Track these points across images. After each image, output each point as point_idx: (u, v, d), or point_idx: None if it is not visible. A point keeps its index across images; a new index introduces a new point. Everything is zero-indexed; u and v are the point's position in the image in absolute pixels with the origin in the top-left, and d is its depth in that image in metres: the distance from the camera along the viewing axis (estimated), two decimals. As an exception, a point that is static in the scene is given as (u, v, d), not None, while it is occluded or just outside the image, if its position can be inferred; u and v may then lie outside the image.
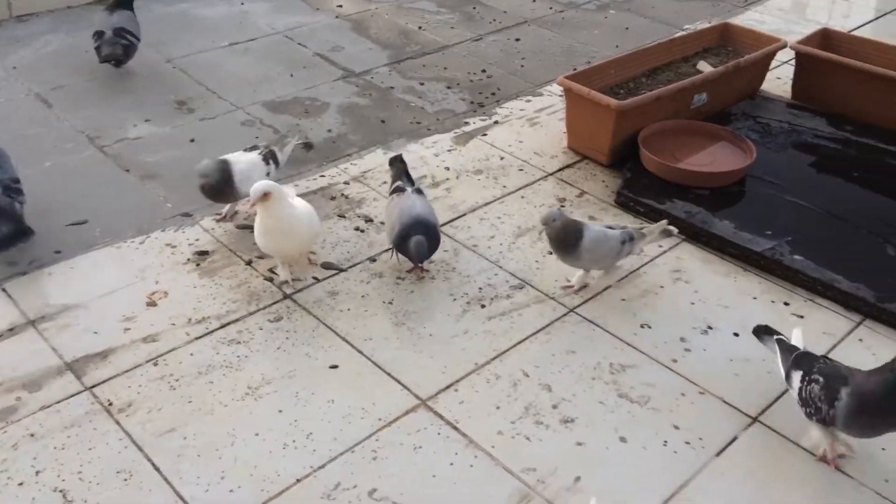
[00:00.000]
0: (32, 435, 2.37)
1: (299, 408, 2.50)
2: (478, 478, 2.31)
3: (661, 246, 3.27)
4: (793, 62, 4.37)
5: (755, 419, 2.52)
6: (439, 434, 2.44)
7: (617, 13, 5.58)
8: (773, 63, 4.44)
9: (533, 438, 2.44)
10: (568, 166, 3.80)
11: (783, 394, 2.59)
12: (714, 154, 3.71)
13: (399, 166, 3.20)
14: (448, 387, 2.61)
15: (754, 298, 3.00)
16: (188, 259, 3.11)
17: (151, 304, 2.88)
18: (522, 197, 3.58)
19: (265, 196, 2.76)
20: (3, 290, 2.91)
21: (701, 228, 3.26)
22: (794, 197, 3.46)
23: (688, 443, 2.43)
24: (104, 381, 2.56)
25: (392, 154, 3.12)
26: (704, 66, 4.21)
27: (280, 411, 2.49)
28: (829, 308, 2.96)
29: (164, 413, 2.46)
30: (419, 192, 3.09)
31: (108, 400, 2.49)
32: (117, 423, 2.42)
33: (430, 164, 3.78)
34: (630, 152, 3.69)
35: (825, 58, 4.10)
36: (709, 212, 3.34)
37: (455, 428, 2.46)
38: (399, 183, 3.11)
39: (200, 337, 2.75)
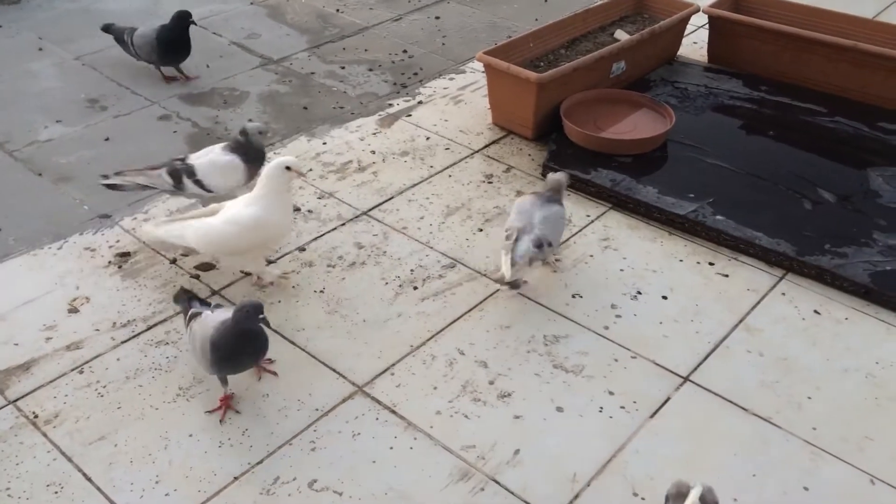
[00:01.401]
0: None
1: (233, 405, 2.46)
2: (418, 459, 2.31)
3: (588, 216, 3.31)
4: (707, 27, 4.45)
5: (686, 378, 2.58)
6: (377, 419, 2.43)
7: (535, -14, 5.58)
8: (689, 28, 4.51)
9: (471, 416, 2.45)
10: (494, 142, 3.81)
11: (712, 351, 2.66)
12: (635, 121, 3.76)
13: (185, 295, 2.58)
14: (384, 371, 2.60)
15: (680, 261, 3.07)
16: (109, 262, 3.02)
17: (73, 310, 2.79)
18: (450, 176, 3.57)
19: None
20: (-88, 307, 2.78)
21: (626, 195, 3.31)
22: (715, 159, 3.54)
23: (622, 407, 2.47)
24: (28, 394, 2.47)
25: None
26: (621, 35, 4.26)
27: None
28: (752, 265, 3.05)
29: (93, 421, 2.39)
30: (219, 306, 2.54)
31: (34, 412, 2.41)
32: (44, 435, 2.34)
33: (356, 149, 3.74)
34: (554, 125, 3.71)
35: (737, 20, 4.18)
36: (633, 179, 3.39)
37: (393, 412, 2.46)
38: (193, 309, 2.50)
39: (127, 340, 2.68)
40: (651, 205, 3.25)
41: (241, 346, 2.32)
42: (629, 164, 3.49)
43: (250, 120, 3.78)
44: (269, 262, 3.03)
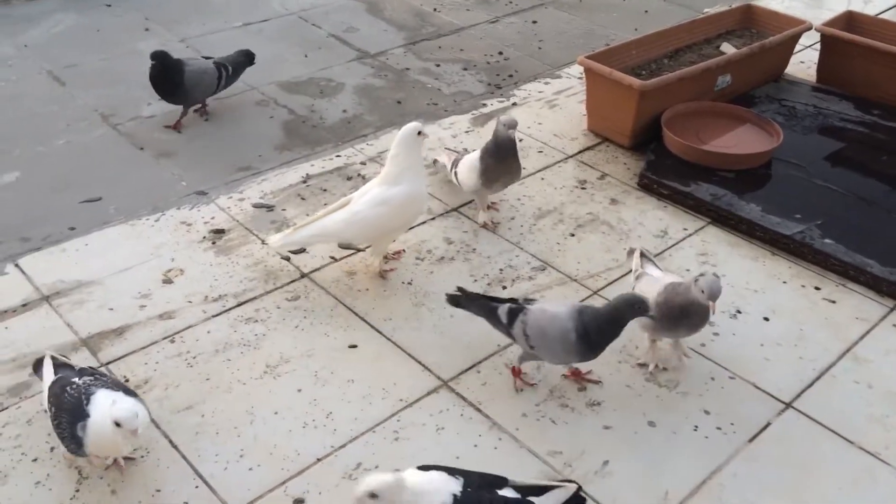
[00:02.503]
0: (47, 411, 2.30)
1: (319, 387, 2.44)
2: (503, 460, 2.24)
3: (685, 229, 3.20)
4: (817, 46, 4.28)
5: (788, 405, 2.45)
6: (462, 415, 2.38)
7: (636, -4, 5.49)
8: (797, 47, 4.35)
9: (558, 421, 2.37)
10: (588, 148, 3.73)
11: (817, 379, 2.52)
12: (739, 136, 3.63)
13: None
14: (470, 368, 2.54)
15: (784, 283, 2.93)
16: (204, 237, 3.05)
17: (167, 281, 2.82)
18: (542, 178, 3.51)
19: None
20: (17, 265, 2.86)
21: (727, 211, 3.19)
22: (824, 181, 3.38)
23: (719, 428, 2.36)
24: (120, 358, 2.51)
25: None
26: (728, 48, 4.12)
27: (299, 390, 2.43)
28: (861, 293, 2.88)
29: (182, 390, 2.40)
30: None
31: (125, 377, 2.44)
32: (134, 400, 2.36)
33: (448, 145, 3.71)
34: (652, 134, 3.61)
35: (851, 40, 4.01)
36: (735, 194, 3.27)
37: (478, 409, 2.40)
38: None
39: (217, 315, 2.69)
40: (754, 222, 3.12)
41: (611, 332, 2.29)
42: (731, 179, 3.37)
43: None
44: (359, 250, 3.01)
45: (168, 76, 3.59)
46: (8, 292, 2.73)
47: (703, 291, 2.28)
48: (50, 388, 2.09)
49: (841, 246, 2.98)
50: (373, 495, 1.73)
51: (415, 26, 4.92)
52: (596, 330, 2.25)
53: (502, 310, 2.38)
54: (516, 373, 2.47)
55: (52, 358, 2.21)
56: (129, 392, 2.08)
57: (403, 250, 2.99)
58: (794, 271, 2.98)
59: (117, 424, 1.93)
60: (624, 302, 2.27)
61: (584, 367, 2.49)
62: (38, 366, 2.24)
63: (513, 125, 2.92)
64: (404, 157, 2.71)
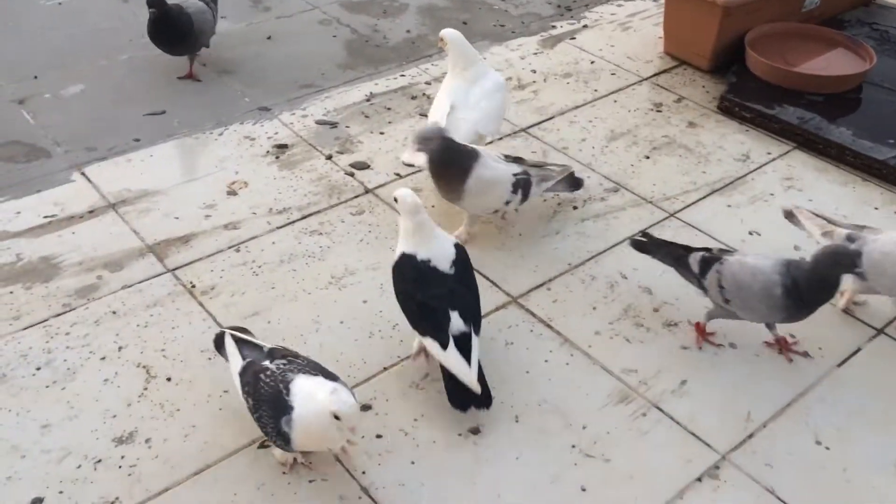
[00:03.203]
0: (114, 312, 2.31)
1: (384, 299, 2.38)
2: (574, 376, 2.16)
3: (769, 153, 3.02)
4: (913, -31, 3.98)
5: (880, 331, 2.30)
6: (532, 331, 2.30)
7: (714, -80, 5.17)
8: (892, -30, 4.05)
9: (633, 340, 2.28)
10: (664, 71, 3.54)
11: (912, 305, 2.37)
12: (828, 59, 3.40)
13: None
14: (540, 286, 2.46)
15: (876, 209, 2.75)
16: (267, 151, 3.00)
17: (232, 192, 2.78)
18: (615, 101, 3.35)
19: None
20: (83, 174, 2.85)
21: (815, 135, 3.00)
22: (919, 105, 3.16)
23: (806, 352, 2.23)
24: (186, 265, 2.48)
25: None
26: (818, -32, 3.85)
27: (365, 301, 2.38)
28: (960, 221, 2.69)
29: (248, 297, 2.37)
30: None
31: (191, 282, 2.42)
32: (200, 304, 2.34)
33: (516, 67, 3.57)
34: (734, 57, 3.41)
35: (957, -41, 3.70)
36: (824, 118, 3.07)
37: (549, 326, 2.31)
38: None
39: (282, 227, 2.65)
40: (845, 146, 2.93)
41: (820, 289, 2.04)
42: (820, 102, 3.16)
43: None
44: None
45: (173, 24, 3.18)
46: (75, 199, 2.72)
47: None
48: (241, 377, 1.84)
49: (939, 172, 2.78)
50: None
51: (481, -52, 4.72)
52: (807, 286, 1.99)
53: (694, 258, 2.16)
54: (700, 330, 2.24)
55: (233, 336, 1.95)
56: (329, 375, 1.79)
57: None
58: (886, 197, 2.80)
59: (336, 417, 1.66)
60: (829, 256, 2.00)
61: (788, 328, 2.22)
62: (219, 344, 1.99)
63: (425, 139, 2.38)
64: (466, 51, 2.76)
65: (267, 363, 1.82)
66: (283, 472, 1.88)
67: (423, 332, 2.02)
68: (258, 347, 1.91)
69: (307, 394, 1.71)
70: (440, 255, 2.07)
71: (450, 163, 2.40)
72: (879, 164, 2.85)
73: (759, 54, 3.29)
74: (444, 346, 1.96)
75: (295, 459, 1.89)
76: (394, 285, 2.09)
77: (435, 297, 2.00)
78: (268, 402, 1.75)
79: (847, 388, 2.14)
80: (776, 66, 3.24)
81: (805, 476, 1.91)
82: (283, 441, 1.74)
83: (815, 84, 3.21)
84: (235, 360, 1.89)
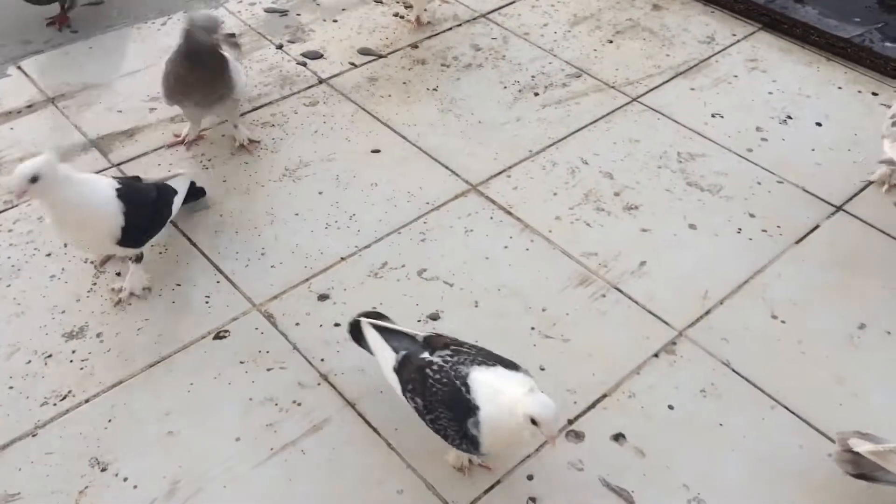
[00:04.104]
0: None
1: (340, 190, 2.32)
2: (534, 260, 2.15)
3: (734, 34, 2.94)
4: None
5: (839, 208, 2.30)
6: (492, 218, 2.26)
7: None
8: None
9: (594, 224, 2.25)
10: (629, -47, 3.39)
11: (871, 182, 2.36)
12: (797, -63, 3.27)
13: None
14: (500, 173, 2.40)
15: (839, 88, 2.71)
16: (214, 42, 2.84)
17: (177, 84, 2.65)
18: (579, -16, 3.22)
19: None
20: (19, 67, 2.69)
21: (781, 15, 2.92)
22: (887, -17, 3.07)
23: (764, 230, 2.23)
24: (132, 159, 2.38)
25: None
26: None
27: (320, 193, 2.31)
28: (922, 99, 2.67)
29: (198, 191, 2.29)
30: None
31: (138, 177, 2.32)
32: (148, 199, 2.26)
33: (476, -49, 3.40)
34: (701, -65, 3.26)
35: None
36: (790, -3, 2.98)
37: (509, 213, 2.28)
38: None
39: (232, 118, 2.54)
40: (810, 26, 2.86)
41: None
42: (787, -19, 3.07)
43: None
44: (380, 57, 2.80)
45: None
46: (12, 94, 2.58)
47: None
48: (400, 374, 1.60)
49: (905, 49, 2.74)
50: (34, 178, 1.68)
51: None
52: None
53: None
54: None
55: (373, 325, 1.69)
56: (508, 363, 1.55)
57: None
58: (850, 76, 2.76)
59: (533, 422, 1.44)
60: None
61: None
62: (356, 335, 1.73)
63: (212, 26, 2.14)
64: None
65: (427, 355, 1.57)
66: (462, 476, 1.68)
67: None
68: (408, 336, 1.66)
69: (493, 390, 1.48)
70: None
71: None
72: (844, 43, 2.80)
73: (726, -69, 3.16)
74: None
75: (470, 461, 1.69)
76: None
77: None
78: (444, 403, 1.52)
79: (804, 265, 2.15)
80: (743, -57, 3.12)
81: (760, 349, 1.94)
82: (471, 445, 1.52)
83: (782, -38, 3.10)
84: (385, 354, 1.64)
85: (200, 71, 2.18)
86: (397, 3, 3.08)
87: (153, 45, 2.82)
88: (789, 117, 2.59)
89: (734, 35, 2.94)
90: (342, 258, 2.13)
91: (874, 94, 2.69)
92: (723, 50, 2.87)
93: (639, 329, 1.98)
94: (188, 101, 2.26)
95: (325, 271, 2.10)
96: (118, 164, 2.36)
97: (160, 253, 2.10)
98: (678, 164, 2.44)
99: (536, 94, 2.69)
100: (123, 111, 2.54)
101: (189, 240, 2.15)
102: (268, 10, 3.02)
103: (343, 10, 3.05)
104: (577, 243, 2.19)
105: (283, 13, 3.01)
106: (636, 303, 2.04)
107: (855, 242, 2.21)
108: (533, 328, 1.97)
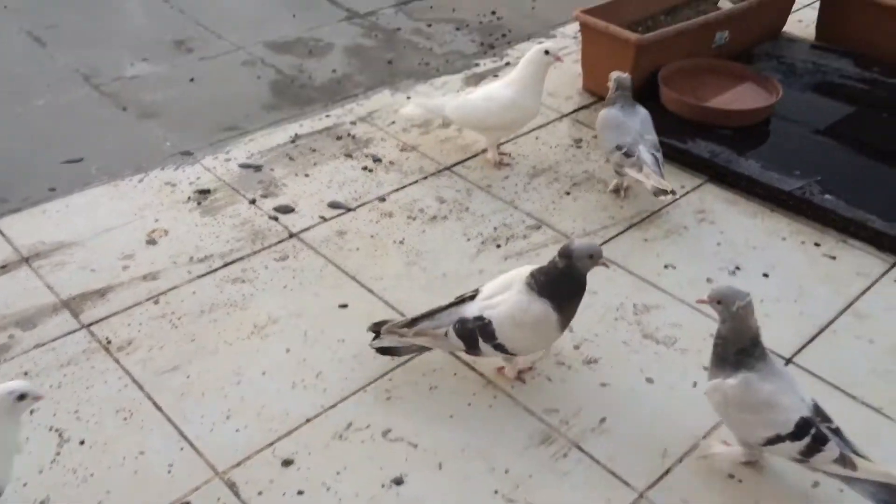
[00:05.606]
0: (26, 373, 2.24)
1: (308, 347, 2.38)
2: (498, 418, 2.19)
3: (683, 186, 3.12)
4: (815, 5, 4.18)
5: (789, 360, 2.39)
6: (456, 374, 2.32)
7: (631, -44, 5.35)
8: (795, 6, 4.24)
9: (555, 379, 2.32)
10: (584, 107, 3.64)
11: (818, 334, 2.47)
12: (737, 94, 3.54)
13: None
14: (464, 327, 2.47)
15: (783, 239, 2.87)
16: (189, 197, 2.97)
17: (151, 242, 2.74)
18: (537, 138, 3.42)
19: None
20: (-5, 227, 2.77)
21: (726, 168, 3.12)
22: (823, 137, 3.31)
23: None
24: (102, 319, 2.43)
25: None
26: (726, 4, 4.02)
27: (288, 350, 2.36)
28: (861, 249, 2.82)
29: (166, 351, 2.33)
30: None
31: (107, 338, 2.37)
32: (116, 361, 2.29)
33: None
34: (649, 92, 3.52)
35: (851, -5, 3.91)
36: (734, 151, 3.19)
37: (472, 368, 2.34)
38: None
39: (203, 275, 2.62)
40: (753, 179, 3.05)
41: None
42: (730, 136, 3.29)
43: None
44: (349, 210, 2.94)
45: None
46: (-14, 254, 2.65)
47: None
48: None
49: (841, 201, 2.91)
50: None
51: (405, -14, 4.79)
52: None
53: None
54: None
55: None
56: None
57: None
58: (793, 228, 2.92)
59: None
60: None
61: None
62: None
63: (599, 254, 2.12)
64: (525, 68, 3.00)
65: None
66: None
67: None
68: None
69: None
70: None
71: None
72: (786, 196, 2.98)
73: (671, 90, 3.41)
74: None
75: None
76: None
77: None
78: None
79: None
80: (687, 101, 3.37)
81: (719, 508, 1.97)
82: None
83: (724, 118, 3.34)
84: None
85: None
86: (366, 157, 3.25)
87: (130, 202, 2.93)
88: (737, 268, 2.72)
89: (683, 187, 3.12)
90: (308, 419, 2.16)
91: (816, 244, 2.84)
92: (674, 202, 3.04)
93: (601, 491, 2.00)
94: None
95: (290, 433, 2.12)
96: (88, 325, 2.41)
97: (124, 419, 2.12)
98: (634, 315, 2.54)
99: (499, 246, 2.81)
100: (96, 270, 2.61)
101: (154, 404, 2.17)
102: (242, 166, 3.16)
103: (315, 164, 3.20)
104: (539, 399, 2.25)
105: (258, 168, 3.15)
106: (597, 462, 2.08)
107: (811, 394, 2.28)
108: (496, 491, 1.99)
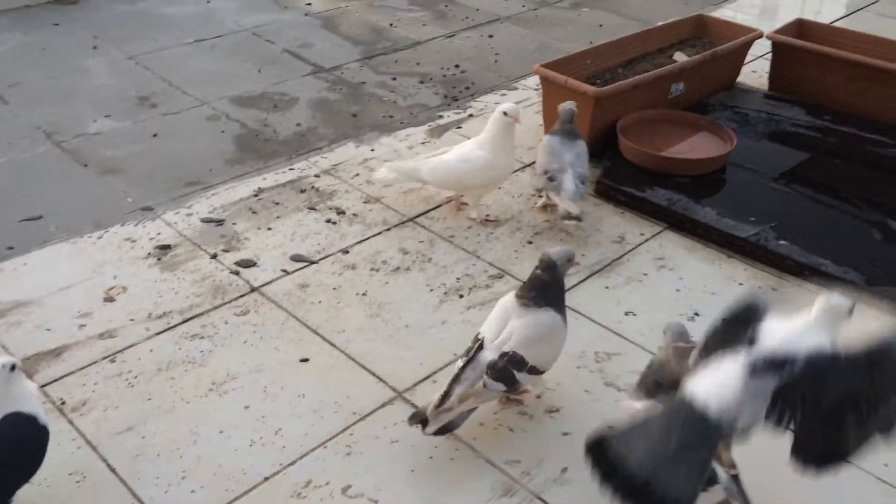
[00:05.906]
0: None
1: (267, 403, 2.35)
2: (459, 471, 2.17)
3: (642, 234, 3.17)
4: (768, 56, 4.33)
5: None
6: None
7: (590, 11, 5.53)
8: (749, 57, 4.38)
9: (517, 429, 2.30)
10: (545, 157, 3.69)
11: (775, 378, 2.49)
12: (694, 143, 3.63)
13: None
14: (426, 378, 2.47)
15: (741, 284, 2.91)
16: (149, 253, 2.95)
17: (109, 299, 2.71)
18: (500, 188, 3.46)
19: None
20: (-51, 286, 2.73)
21: (683, 216, 3.17)
22: (777, 184, 3.39)
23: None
24: (57, 380, 2.39)
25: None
26: (681, 57, 4.15)
27: (247, 407, 2.33)
28: (816, 293, 2.86)
29: (121, 411, 2.29)
30: None
31: (61, 398, 2.32)
32: (70, 422, 2.25)
33: (404, 157, 3.66)
34: (608, 142, 3.60)
35: (802, 47, 4.05)
36: (691, 199, 3.25)
37: (434, 421, 2.32)
38: None
39: (161, 332, 2.59)
40: (710, 226, 3.11)
41: None
42: (687, 184, 3.36)
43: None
44: (312, 263, 2.94)
45: None
46: (-61, 314, 2.60)
47: None
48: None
49: (796, 247, 2.97)
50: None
51: (371, 41, 4.88)
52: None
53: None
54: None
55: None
56: None
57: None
58: (750, 273, 2.97)
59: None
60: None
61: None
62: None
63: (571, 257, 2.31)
64: (490, 129, 3.07)
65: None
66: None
67: None
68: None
69: None
70: None
71: None
72: (742, 242, 3.03)
73: (629, 140, 3.49)
74: None
75: None
76: None
77: None
78: None
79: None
80: (644, 150, 3.44)
81: (682, 558, 1.94)
82: None
83: (681, 167, 3.42)
84: None
85: None
86: (330, 209, 3.26)
87: (88, 259, 2.90)
88: (696, 314, 2.75)
89: (642, 234, 3.17)
90: (265, 478, 2.12)
91: (773, 289, 2.89)
92: (633, 249, 3.08)
93: (562, 543, 1.98)
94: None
95: (246, 493, 2.08)
96: (42, 386, 2.36)
97: (77, 482, 2.07)
98: (595, 363, 2.55)
99: (461, 296, 2.82)
100: (52, 329, 2.57)
101: (108, 466, 2.13)
102: (204, 220, 3.16)
103: (277, 217, 3.21)
104: (501, 450, 2.23)
105: (220, 223, 3.15)
106: (559, 514, 2.06)
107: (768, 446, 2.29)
108: (457, 547, 1.96)
